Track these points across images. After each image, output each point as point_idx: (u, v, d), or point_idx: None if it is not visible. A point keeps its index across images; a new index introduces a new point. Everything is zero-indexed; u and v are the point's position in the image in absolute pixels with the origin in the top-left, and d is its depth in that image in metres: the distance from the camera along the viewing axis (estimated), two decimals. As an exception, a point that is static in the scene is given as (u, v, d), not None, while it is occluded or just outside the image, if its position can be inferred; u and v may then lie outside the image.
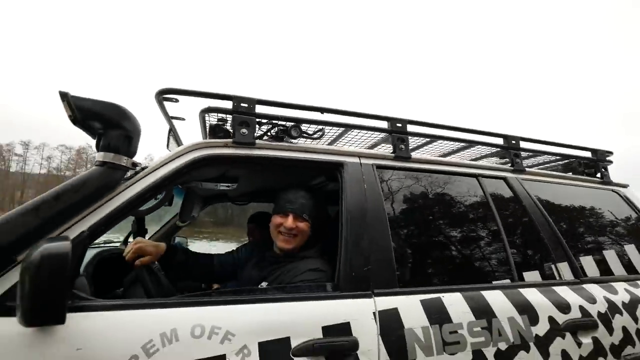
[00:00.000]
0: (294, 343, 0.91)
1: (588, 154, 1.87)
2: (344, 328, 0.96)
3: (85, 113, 0.91)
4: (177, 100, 1.23)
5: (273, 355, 0.89)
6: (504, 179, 1.53)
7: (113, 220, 0.95)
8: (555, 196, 1.64)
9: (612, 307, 1.30)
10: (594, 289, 1.35)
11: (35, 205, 0.84)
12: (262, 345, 0.89)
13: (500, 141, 1.64)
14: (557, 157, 1.85)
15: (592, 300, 1.29)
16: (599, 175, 1.84)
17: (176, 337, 0.84)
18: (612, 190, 1.81)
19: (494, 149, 1.66)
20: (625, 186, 1.87)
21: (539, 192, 1.57)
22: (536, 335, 1.14)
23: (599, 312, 1.27)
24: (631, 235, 1.66)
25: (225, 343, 0.87)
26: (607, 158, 1.88)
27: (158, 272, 1.24)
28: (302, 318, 0.95)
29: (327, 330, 0.94)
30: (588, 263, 1.45)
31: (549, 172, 1.73)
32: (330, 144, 1.58)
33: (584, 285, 1.35)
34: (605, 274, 1.46)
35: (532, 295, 1.21)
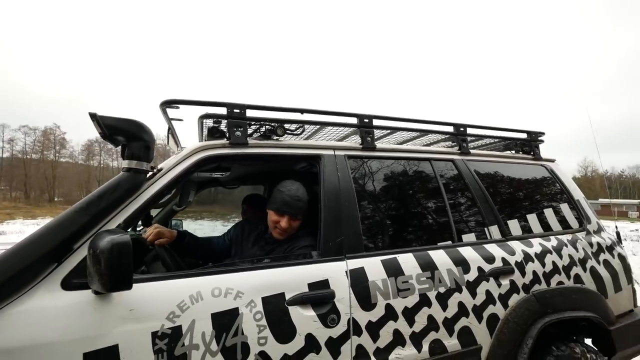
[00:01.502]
0: (287, 296, 1.24)
1: (524, 136, 2.24)
2: (324, 283, 1.30)
3: (112, 129, 1.14)
4: (178, 107, 1.45)
5: (273, 305, 1.21)
6: (452, 160, 1.88)
7: (141, 213, 1.22)
8: (494, 172, 2.01)
9: (527, 257, 1.72)
10: (515, 244, 1.75)
11: (84, 205, 1.09)
12: (264, 299, 1.21)
13: (451, 129, 1.97)
14: (498, 140, 2.21)
15: (512, 253, 1.70)
16: (532, 153, 2.22)
17: (201, 297, 1.15)
18: (541, 165, 2.20)
19: (445, 136, 1.99)
20: (552, 161, 2.27)
21: (480, 170, 1.93)
22: (467, 280, 1.53)
23: (515, 261, 1.68)
24: (551, 200, 2.08)
25: (237, 299, 1.18)
26: (539, 138, 2.26)
27: (173, 253, 1.53)
28: (292, 278, 1.28)
29: (311, 285, 1.28)
30: (514, 225, 1.85)
31: (491, 153, 2.09)
32: (309, 137, 1.86)
33: (508, 242, 1.75)
34: (527, 233, 1.87)
35: (467, 252, 1.60)
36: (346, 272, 1.35)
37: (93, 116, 1.11)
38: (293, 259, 1.41)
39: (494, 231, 1.76)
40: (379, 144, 1.73)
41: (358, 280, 1.35)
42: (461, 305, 1.49)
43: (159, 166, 1.31)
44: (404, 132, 1.86)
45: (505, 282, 1.61)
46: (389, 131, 1.85)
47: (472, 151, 1.98)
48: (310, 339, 1.23)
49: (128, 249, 0.95)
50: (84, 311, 1.02)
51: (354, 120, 1.70)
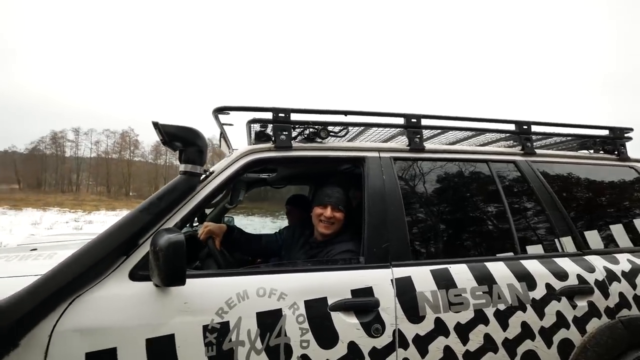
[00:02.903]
0: (330, 301, 1.22)
1: (606, 132, 1.93)
2: (368, 291, 1.25)
3: (171, 136, 1.23)
4: (228, 113, 1.52)
5: (315, 310, 1.20)
6: (514, 162, 1.69)
7: (195, 213, 1.30)
8: (567, 175, 1.77)
9: (610, 275, 1.47)
10: (595, 260, 1.52)
11: (147, 206, 1.20)
12: (307, 302, 1.21)
13: (511, 127, 1.77)
14: (572, 138, 1.93)
15: (591, 270, 1.47)
16: (616, 152, 1.91)
17: (247, 296, 1.18)
18: (630, 167, 1.88)
19: (504, 135, 1.79)
20: (644, 161, 1.92)
21: (549, 172, 1.71)
22: (533, 298, 1.36)
23: (596, 280, 1.45)
24: (643, 209, 1.76)
25: (281, 300, 1.20)
26: (627, 135, 1.93)
27: (222, 248, 1.61)
28: (335, 283, 1.25)
29: (355, 292, 1.24)
30: (594, 237, 1.61)
31: (562, 153, 1.84)
32: (353, 139, 1.82)
33: (586, 257, 1.52)
34: (611, 246, 1.61)
35: (532, 266, 1.42)
36: (392, 280, 1.28)
37: (155, 125, 1.21)
38: (335, 263, 1.38)
39: (567, 243, 1.54)
40: (428, 145, 1.62)
41: (404, 289, 1.28)
42: (525, 325, 1.33)
43: (211, 169, 1.38)
44: (456, 131, 1.72)
45: (582, 304, 1.40)
46: (439, 131, 1.73)
47: (538, 151, 1.77)
48: (353, 348, 1.19)
49: (182, 248, 1.01)
50: (146, 301, 1.12)
51: (400, 121, 1.61)
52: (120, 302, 1.11)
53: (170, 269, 1.01)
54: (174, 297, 1.13)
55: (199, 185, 1.31)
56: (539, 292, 1.37)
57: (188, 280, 1.11)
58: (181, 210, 1.26)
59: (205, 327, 1.12)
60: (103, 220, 14.65)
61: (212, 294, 1.17)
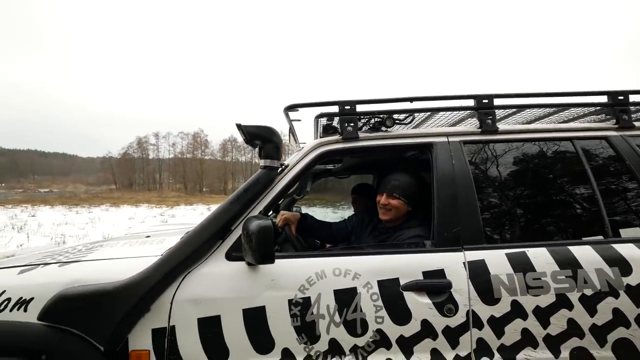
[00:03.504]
0: (402, 281, 1.29)
1: None
2: (439, 273, 1.29)
3: (252, 135, 1.40)
4: (297, 110, 1.65)
5: (387, 289, 1.28)
6: (605, 138, 1.53)
7: (275, 201, 1.47)
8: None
9: None
10: None
11: (236, 197, 1.40)
12: (380, 282, 1.29)
13: (604, 99, 1.60)
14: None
15: None
16: None
17: (324, 275, 1.31)
18: None
19: (595, 108, 1.63)
20: None
21: None
22: (627, 284, 1.25)
23: None
24: None
25: (355, 280, 1.30)
26: None
27: (297, 235, 1.78)
28: (406, 265, 1.32)
29: (426, 274, 1.29)
30: None
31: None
32: (419, 125, 1.82)
33: None
34: None
35: (626, 250, 1.30)
36: (464, 263, 1.30)
37: (239, 126, 1.39)
38: (405, 247, 1.44)
39: (671, 226, 1.37)
40: (501, 126, 1.56)
41: (478, 272, 1.28)
42: (618, 312, 1.24)
43: (285, 162, 1.53)
44: (534, 109, 1.61)
45: (692, 293, 1.25)
46: (514, 110, 1.64)
47: (637, 124, 1.57)
48: (427, 325, 1.25)
49: (271, 231, 1.18)
50: (241, 277, 1.32)
51: (470, 103, 1.57)
52: (220, 278, 1.32)
53: (262, 249, 1.18)
54: (263, 275, 1.31)
55: (277, 177, 1.47)
56: (635, 278, 1.26)
57: (276, 262, 1.27)
58: (263, 200, 1.44)
59: (290, 301, 1.28)
60: (183, 214, 16.54)
61: (294, 272, 1.32)
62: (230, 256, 1.36)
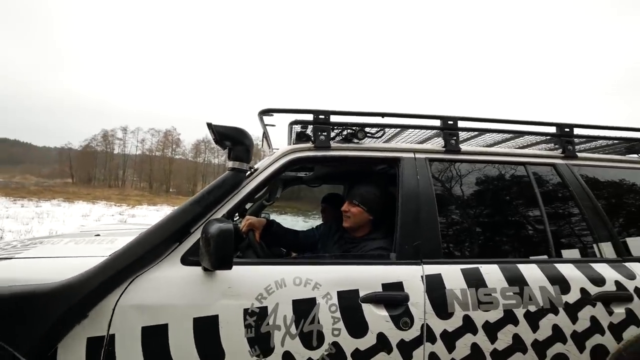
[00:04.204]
0: (361, 293, 1.30)
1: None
2: (398, 285, 1.31)
3: (222, 135, 1.37)
4: (272, 115, 1.65)
5: (347, 300, 1.28)
6: (553, 165, 1.66)
7: (241, 205, 1.43)
8: (610, 180, 1.71)
9: None
10: (636, 267, 1.46)
11: (198, 198, 1.35)
12: (339, 293, 1.29)
13: (551, 129, 1.74)
14: (619, 141, 1.85)
15: (631, 277, 1.42)
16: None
17: (284, 284, 1.29)
18: (685, 172, 1.77)
19: (545, 137, 1.77)
20: (703, 168, 1.80)
21: (591, 177, 1.67)
22: (566, 302, 1.35)
23: (636, 287, 1.40)
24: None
25: (315, 290, 1.29)
26: (682, 139, 1.82)
27: (261, 241, 1.75)
28: (367, 276, 1.33)
29: (385, 286, 1.31)
30: (636, 244, 1.54)
31: (607, 157, 1.78)
32: (389, 140, 1.88)
33: (627, 264, 1.47)
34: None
35: (567, 270, 1.41)
36: (422, 277, 1.34)
37: (209, 125, 1.35)
38: (368, 258, 1.46)
39: (606, 249, 1.50)
40: (464, 147, 1.65)
41: (434, 286, 1.32)
42: (557, 329, 1.32)
43: (255, 166, 1.51)
44: (493, 133, 1.72)
45: (619, 311, 1.37)
46: (475, 133, 1.74)
47: (579, 154, 1.72)
48: (382, 338, 1.26)
49: (231, 236, 1.14)
50: (195, 284, 1.26)
51: (437, 123, 1.65)
52: (172, 284, 1.24)
53: (219, 254, 1.13)
54: (220, 282, 1.26)
55: (245, 180, 1.44)
56: (573, 296, 1.36)
57: (234, 268, 1.22)
58: (228, 203, 1.40)
59: (245, 311, 1.23)
60: (145, 214, 15.69)
61: (253, 280, 1.28)
62: (186, 260, 1.30)
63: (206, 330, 1.20)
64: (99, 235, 1.98)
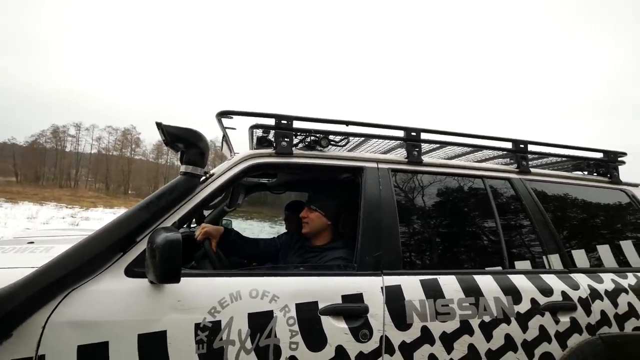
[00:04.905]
0: (320, 305, 1.25)
1: (600, 155, 1.99)
2: (358, 297, 1.28)
3: (173, 137, 1.27)
4: (232, 117, 1.57)
5: (305, 312, 1.23)
6: (508, 179, 1.74)
7: (194, 213, 1.33)
8: (559, 195, 1.82)
9: (594, 294, 1.51)
10: (580, 278, 1.56)
11: (145, 204, 1.23)
12: (298, 305, 1.24)
13: (508, 145, 1.83)
14: (567, 159, 1.99)
15: (575, 287, 1.51)
16: (609, 175, 1.96)
17: (240, 296, 1.21)
18: (621, 190, 1.93)
19: (501, 152, 1.85)
20: (635, 185, 1.98)
21: (542, 192, 1.76)
22: (517, 312, 1.40)
23: (579, 297, 1.49)
24: (631, 231, 1.81)
25: (272, 302, 1.23)
26: (620, 159, 1.99)
27: (218, 250, 1.65)
28: (327, 288, 1.29)
29: (345, 298, 1.28)
30: (580, 256, 1.65)
31: (556, 173, 1.89)
32: (353, 149, 1.87)
33: (572, 275, 1.56)
34: (597, 266, 1.65)
35: (519, 281, 1.46)
36: (382, 288, 1.32)
37: (159, 125, 1.25)
38: (328, 269, 1.42)
39: (555, 260, 1.58)
40: (426, 159, 1.67)
41: (394, 297, 1.31)
42: (508, 338, 1.36)
43: (211, 171, 1.42)
44: (454, 146, 1.77)
45: (565, 319, 1.44)
46: (437, 145, 1.78)
47: (533, 170, 1.82)
48: (341, 351, 1.22)
49: (178, 247, 1.05)
50: (141, 297, 1.15)
51: (400, 133, 1.67)
52: (115, 297, 1.13)
53: (165, 266, 1.04)
54: (168, 295, 1.16)
55: (199, 186, 1.35)
56: (524, 306, 1.41)
57: (182, 279, 1.13)
58: (180, 210, 1.30)
59: (197, 325, 1.14)
60: (100, 217, 14.62)
61: (205, 293, 1.19)
62: (131, 272, 1.18)
63: (152, 348, 1.10)
64: (32, 242, 1.76)
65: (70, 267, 1.09)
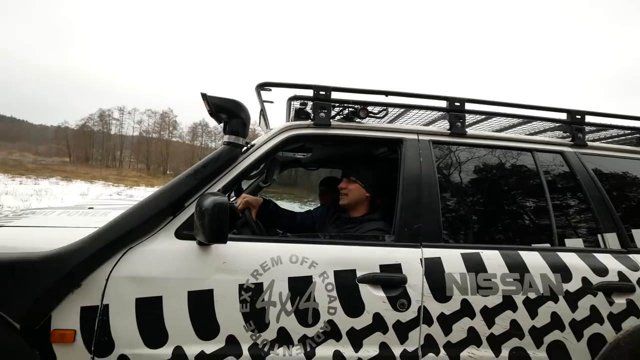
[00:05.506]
0: (358, 273, 1.27)
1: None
2: (396, 267, 1.28)
3: (217, 107, 1.31)
4: (270, 90, 1.58)
5: (343, 280, 1.26)
6: (561, 153, 1.61)
7: (236, 181, 1.38)
8: (620, 171, 1.67)
9: None
10: None
11: (193, 171, 1.30)
12: (336, 272, 1.26)
13: (562, 116, 1.68)
14: (630, 131, 1.80)
15: (635, 268, 1.40)
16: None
17: (280, 261, 1.26)
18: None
19: (555, 124, 1.71)
20: None
21: (599, 166, 1.62)
22: (566, 290, 1.33)
23: (639, 279, 1.38)
24: None
25: (312, 268, 1.26)
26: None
27: (257, 220, 1.71)
28: (364, 257, 1.30)
29: (383, 267, 1.28)
30: (641, 236, 1.51)
31: (617, 147, 1.73)
32: (393, 121, 1.81)
33: (630, 255, 1.45)
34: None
35: (569, 259, 1.38)
36: (421, 259, 1.30)
37: (204, 96, 1.29)
38: (366, 239, 1.43)
39: (611, 239, 1.47)
40: (470, 131, 1.59)
41: (433, 269, 1.29)
42: (555, 316, 1.31)
43: (252, 142, 1.45)
44: (501, 117, 1.66)
45: (620, 301, 1.35)
46: (482, 117, 1.68)
47: (590, 144, 1.67)
48: (378, 318, 1.24)
49: (226, 209, 1.10)
50: (190, 258, 1.23)
51: (443, 104, 1.59)
52: (167, 257, 1.22)
53: (214, 227, 1.10)
54: (215, 256, 1.23)
55: (241, 156, 1.39)
56: (573, 285, 1.34)
57: (228, 243, 1.19)
58: (223, 179, 1.35)
59: (241, 286, 1.21)
60: (142, 195, 15.62)
61: (248, 256, 1.25)
62: (181, 234, 1.27)
63: (201, 304, 1.18)
64: (92, 208, 1.93)
65: (127, 227, 1.19)
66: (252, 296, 1.21)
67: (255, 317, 1.20)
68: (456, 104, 1.56)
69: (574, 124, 1.66)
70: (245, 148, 1.41)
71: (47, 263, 1.09)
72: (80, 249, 1.13)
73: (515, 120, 1.72)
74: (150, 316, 1.16)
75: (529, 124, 1.77)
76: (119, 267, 1.17)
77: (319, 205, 2.19)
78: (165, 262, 1.21)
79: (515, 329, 1.28)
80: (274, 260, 1.25)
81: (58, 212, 1.70)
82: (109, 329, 1.13)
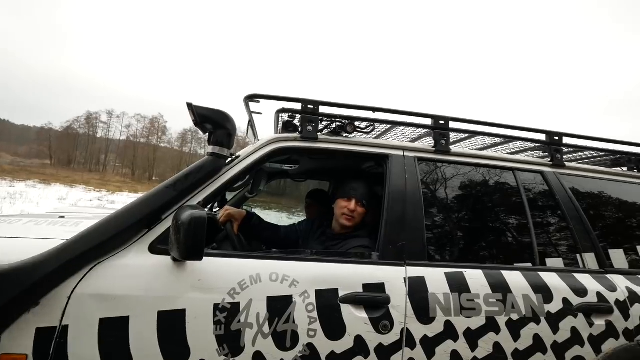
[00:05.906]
0: (341, 293, 1.23)
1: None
2: (379, 287, 1.25)
3: (203, 118, 1.27)
4: (259, 101, 1.56)
5: (325, 300, 1.21)
6: (541, 173, 1.64)
7: (219, 193, 1.34)
8: (596, 191, 1.70)
9: (633, 296, 1.41)
10: (618, 279, 1.46)
11: (173, 182, 1.25)
12: (318, 292, 1.22)
13: (541, 137, 1.73)
14: (605, 154, 1.86)
15: (612, 289, 1.41)
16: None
17: (260, 279, 1.21)
18: (667, 188, 1.79)
19: (534, 144, 1.75)
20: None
21: (577, 186, 1.66)
22: (548, 311, 1.32)
23: (617, 300, 1.39)
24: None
25: (292, 287, 1.21)
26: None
27: (239, 233, 1.66)
28: (348, 276, 1.26)
29: (366, 287, 1.25)
30: (619, 256, 1.54)
31: (593, 168, 1.77)
32: (379, 137, 1.82)
33: (608, 276, 1.46)
34: (637, 267, 1.54)
35: (550, 279, 1.38)
36: (405, 278, 1.28)
37: (189, 105, 1.26)
38: (350, 256, 1.40)
39: (589, 260, 1.49)
40: (454, 148, 1.60)
41: (417, 289, 1.27)
42: (537, 338, 1.30)
43: (238, 154, 1.42)
44: (484, 137, 1.69)
45: (600, 322, 1.36)
46: (466, 135, 1.70)
47: (567, 164, 1.71)
48: (360, 342, 1.20)
49: (203, 224, 1.05)
50: (163, 274, 1.16)
51: (428, 121, 1.60)
52: (138, 273, 1.14)
53: (189, 242, 1.04)
54: (190, 273, 1.17)
55: (225, 167, 1.35)
56: (555, 306, 1.34)
57: (205, 259, 1.13)
58: (205, 190, 1.30)
59: (216, 306, 1.14)
60: (125, 202, 15.25)
61: (226, 274, 1.19)
62: (155, 249, 1.20)
63: (171, 325, 1.11)
64: (63, 217, 1.84)
65: (97, 240, 1.12)
66: (227, 317, 1.14)
67: (230, 340, 1.13)
68: (440, 122, 1.58)
69: (552, 144, 1.70)
70: (229, 159, 1.38)
71: (2, 278, 0.99)
72: (43, 263, 1.03)
73: (498, 140, 1.75)
74: (113, 339, 1.07)
75: (510, 144, 1.81)
76: (85, 284, 1.08)
77: (304, 219, 2.15)
78: (136, 278, 1.14)
79: (498, 352, 1.26)
80: (252, 278, 1.20)
81: (24, 221, 1.60)
82: (65, 353, 1.04)
